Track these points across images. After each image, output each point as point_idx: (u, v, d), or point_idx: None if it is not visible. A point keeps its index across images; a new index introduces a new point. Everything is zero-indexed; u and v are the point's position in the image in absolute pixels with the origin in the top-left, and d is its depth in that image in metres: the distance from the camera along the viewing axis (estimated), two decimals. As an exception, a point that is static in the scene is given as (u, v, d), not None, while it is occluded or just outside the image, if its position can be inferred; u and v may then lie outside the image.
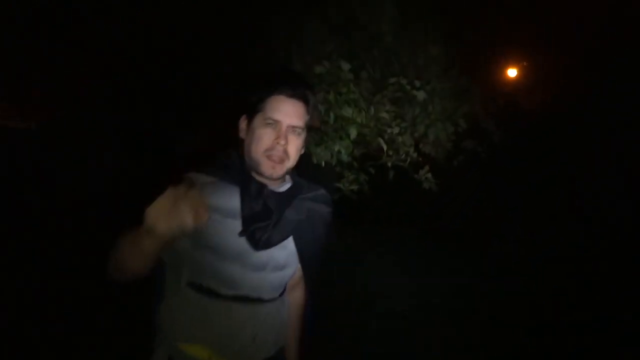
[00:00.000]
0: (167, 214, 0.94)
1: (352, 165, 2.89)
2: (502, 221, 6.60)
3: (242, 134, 1.33)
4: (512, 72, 6.70)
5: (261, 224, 1.25)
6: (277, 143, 1.25)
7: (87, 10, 5.47)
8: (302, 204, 1.35)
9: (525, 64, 6.69)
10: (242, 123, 1.34)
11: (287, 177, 1.40)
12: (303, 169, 1.47)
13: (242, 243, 1.25)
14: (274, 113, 1.26)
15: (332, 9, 2.83)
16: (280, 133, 1.26)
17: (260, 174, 1.29)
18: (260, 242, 1.25)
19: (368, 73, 2.93)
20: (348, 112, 2.72)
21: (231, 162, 1.35)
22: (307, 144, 1.36)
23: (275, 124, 1.26)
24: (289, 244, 1.35)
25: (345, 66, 2.76)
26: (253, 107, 1.29)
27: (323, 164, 2.75)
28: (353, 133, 2.71)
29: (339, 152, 2.74)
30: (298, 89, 1.29)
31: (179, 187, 0.96)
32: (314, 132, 2.83)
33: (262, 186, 1.30)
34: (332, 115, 2.72)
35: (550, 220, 6.64)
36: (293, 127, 1.27)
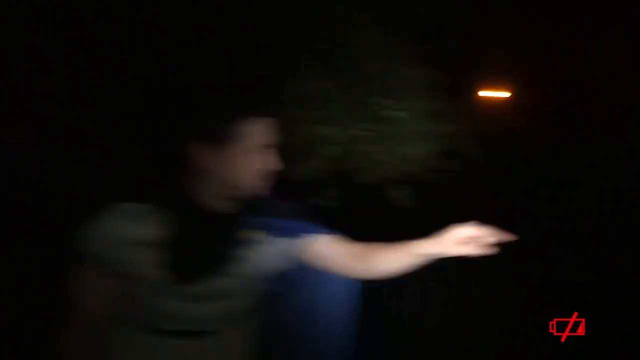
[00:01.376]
0: None
1: (328, 182, 2.93)
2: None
3: (204, 165, 1.15)
4: (501, 94, 6.81)
5: (181, 253, 1.12)
6: (270, 165, 1.18)
7: (87, 10, 5.28)
8: (248, 225, 1.22)
9: (514, 85, 6.80)
10: (200, 152, 1.14)
11: None
12: (277, 184, 1.44)
13: (170, 274, 1.13)
14: (264, 137, 1.16)
15: (315, 32, 2.89)
16: (272, 155, 1.18)
17: (247, 199, 1.19)
18: (183, 273, 1.13)
19: (348, 93, 3.00)
20: (325, 130, 2.78)
21: (164, 186, 1.22)
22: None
23: (265, 147, 1.17)
24: (238, 270, 1.20)
25: (325, 85, 2.83)
26: (223, 134, 1.13)
27: (298, 180, 2.80)
28: (330, 151, 2.77)
29: (316, 169, 2.79)
30: (272, 104, 1.25)
31: None
32: (290, 149, 2.87)
33: (198, 209, 1.16)
34: (309, 133, 2.78)
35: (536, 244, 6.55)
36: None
